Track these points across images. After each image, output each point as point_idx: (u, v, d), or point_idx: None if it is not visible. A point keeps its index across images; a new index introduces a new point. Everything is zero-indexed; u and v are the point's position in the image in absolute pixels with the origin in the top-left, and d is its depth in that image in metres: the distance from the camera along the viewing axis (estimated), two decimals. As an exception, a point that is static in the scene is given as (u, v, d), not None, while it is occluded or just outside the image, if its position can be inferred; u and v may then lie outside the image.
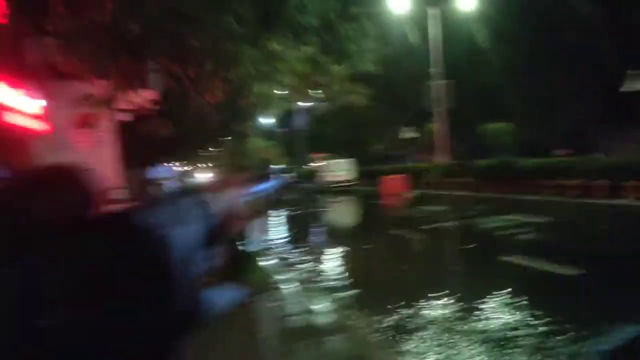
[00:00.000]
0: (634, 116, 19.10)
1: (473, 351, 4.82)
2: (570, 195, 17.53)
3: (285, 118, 59.37)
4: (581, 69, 24.20)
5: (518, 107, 27.66)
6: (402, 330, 5.54)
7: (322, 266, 9.72)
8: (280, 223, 18.98)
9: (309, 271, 9.02)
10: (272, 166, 43.29)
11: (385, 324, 5.75)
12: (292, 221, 19.53)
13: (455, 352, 4.84)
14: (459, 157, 30.82)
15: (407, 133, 33.22)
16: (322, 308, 6.34)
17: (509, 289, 7.19)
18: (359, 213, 21.75)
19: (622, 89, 17.98)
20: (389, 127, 38.01)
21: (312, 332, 5.39)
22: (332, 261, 10.50)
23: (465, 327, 5.50)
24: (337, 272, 9.07)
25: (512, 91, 28.16)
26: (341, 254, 11.40)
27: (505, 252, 9.19)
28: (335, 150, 46.23)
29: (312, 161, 49.06)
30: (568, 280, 7.09)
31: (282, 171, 48.52)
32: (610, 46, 22.75)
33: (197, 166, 60.04)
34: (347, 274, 8.86)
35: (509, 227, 12.56)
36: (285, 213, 22.84)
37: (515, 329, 5.32)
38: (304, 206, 26.52)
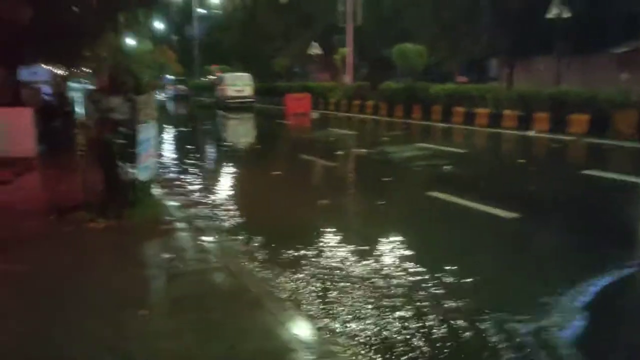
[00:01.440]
0: (547, 46, 18.80)
1: (405, 308, 3.78)
2: (479, 124, 17.28)
3: (180, 25, 54.42)
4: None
5: (423, 30, 26.70)
6: (321, 289, 4.37)
7: (228, 200, 8.27)
8: (175, 143, 16.97)
9: (213, 207, 7.55)
10: (166, 76, 39.43)
11: (302, 284, 4.54)
12: (188, 141, 17.60)
13: (383, 310, 3.78)
14: (364, 79, 29.78)
15: (313, 49, 31.22)
16: (224, 263, 4.98)
17: (446, 232, 6.30)
18: (263, 133, 20.17)
19: (548, 16, 17.33)
20: (294, 42, 35.71)
21: (209, 300, 4.06)
22: (239, 193, 9.09)
23: (400, 279, 4.45)
24: (245, 209, 7.67)
25: (419, 12, 27.02)
26: (249, 184, 9.99)
27: (429, 187, 8.33)
28: (235, 63, 43.14)
29: (210, 73, 45.67)
30: (504, 223, 6.34)
31: (175, 82, 44.86)
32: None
33: (79, 71, 53.16)
34: (256, 212, 7.51)
35: (426, 156, 11.82)
36: (180, 130, 20.68)
37: (468, 279, 4.37)
38: (200, 123, 24.41)
